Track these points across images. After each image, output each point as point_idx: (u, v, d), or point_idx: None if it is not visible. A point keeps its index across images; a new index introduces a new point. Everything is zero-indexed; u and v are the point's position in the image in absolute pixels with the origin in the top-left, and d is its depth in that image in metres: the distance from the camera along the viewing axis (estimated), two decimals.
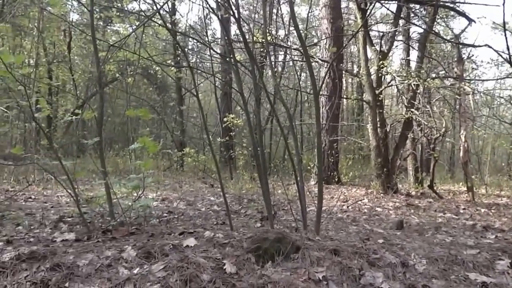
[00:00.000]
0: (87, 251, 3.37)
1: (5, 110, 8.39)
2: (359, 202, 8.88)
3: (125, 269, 3.17)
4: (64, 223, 4.97)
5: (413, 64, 11.94)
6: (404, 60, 12.01)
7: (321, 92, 12.68)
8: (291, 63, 19.14)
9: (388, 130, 10.79)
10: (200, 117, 20.13)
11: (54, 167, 5.05)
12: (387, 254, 3.66)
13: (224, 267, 3.22)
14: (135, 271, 3.13)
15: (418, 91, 10.92)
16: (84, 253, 3.32)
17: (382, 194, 10.11)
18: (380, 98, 10.53)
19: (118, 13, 18.07)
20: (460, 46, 10.98)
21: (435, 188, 10.77)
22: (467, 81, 11.24)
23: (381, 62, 10.35)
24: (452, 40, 11.84)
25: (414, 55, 12.50)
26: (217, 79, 16.53)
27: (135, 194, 4.98)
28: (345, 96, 15.84)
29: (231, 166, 13.90)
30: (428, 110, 10.59)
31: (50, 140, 4.06)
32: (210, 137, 16.71)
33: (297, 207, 7.13)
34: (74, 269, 3.12)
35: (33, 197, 7.81)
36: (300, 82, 14.31)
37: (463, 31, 13.90)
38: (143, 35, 9.00)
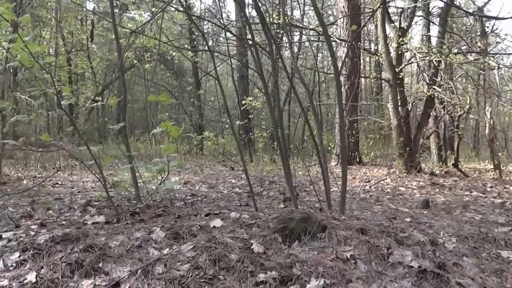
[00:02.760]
0: (117, 233, 3.44)
1: (29, 98, 8.53)
2: (382, 182, 8.83)
3: (155, 249, 3.24)
4: (92, 207, 5.07)
5: (434, 40, 11.71)
6: (424, 36, 11.77)
7: (341, 71, 12.59)
8: (306, 44, 18.97)
9: (409, 108, 10.64)
10: (217, 100, 20.18)
11: (78, 153, 5.13)
12: (415, 232, 3.65)
13: (252, 247, 3.26)
14: (165, 252, 3.19)
15: (440, 68, 10.72)
16: (115, 235, 3.40)
17: (405, 174, 10.02)
18: (400, 76, 10.37)
19: (134, 0, 18.09)
20: (484, 19, 10.70)
21: (460, 166, 10.63)
22: (491, 55, 10.97)
23: (400, 39, 10.17)
24: (475, 13, 11.56)
25: (434, 30, 12.25)
26: (234, 62, 16.49)
27: (159, 178, 5.04)
28: (364, 75, 15.66)
29: (250, 149, 13.94)
30: (451, 87, 10.39)
31: (75, 126, 4.12)
32: (229, 120, 16.76)
33: (318, 188, 7.15)
34: (106, 250, 3.19)
35: (60, 183, 7.98)
36: (317, 63, 14.15)
37: (486, 3, 13.54)
38: (161, 21, 8.99)
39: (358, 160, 12.16)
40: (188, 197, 6.10)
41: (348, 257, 3.22)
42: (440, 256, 3.30)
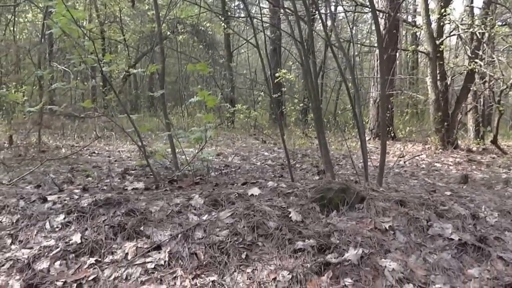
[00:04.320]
0: (157, 199, 3.51)
1: (66, 69, 8.68)
2: (417, 158, 8.69)
3: (194, 215, 3.29)
4: (129, 175, 5.17)
5: (477, 12, 11.25)
6: (467, 7, 11.32)
7: (376, 44, 12.29)
8: (339, 17, 18.55)
9: (448, 83, 10.34)
10: (249, 73, 20.08)
11: (117, 121, 5.21)
12: (455, 206, 3.59)
13: (290, 215, 3.28)
14: (204, 218, 3.24)
15: (483, 40, 10.32)
16: (155, 201, 3.46)
17: (441, 150, 9.81)
18: (440, 49, 10.06)
19: None
20: None
21: (498, 143, 10.33)
22: None
23: (443, 10, 9.80)
24: None
25: (478, 1, 11.70)
26: (266, 34, 16.28)
27: (196, 148, 5.08)
28: (401, 48, 15.25)
29: (281, 122, 13.87)
30: (494, 61, 10.01)
31: (116, 93, 4.18)
32: (262, 93, 16.65)
33: (351, 162, 7.09)
34: (147, 214, 3.27)
35: (96, 152, 8.17)
36: (352, 36, 13.82)
37: None
38: None
39: (392, 135, 11.97)
40: (222, 168, 6.15)
41: (387, 228, 3.20)
42: (481, 230, 3.24)
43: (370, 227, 3.20)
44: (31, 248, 3.06)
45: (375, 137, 11.96)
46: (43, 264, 2.91)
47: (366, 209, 3.41)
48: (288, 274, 2.78)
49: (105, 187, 4.18)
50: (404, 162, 8.11)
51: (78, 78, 15.19)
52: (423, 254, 3.03)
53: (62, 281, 2.77)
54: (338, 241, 3.03)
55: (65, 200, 3.54)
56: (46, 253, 2.98)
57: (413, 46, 12.61)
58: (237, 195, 3.55)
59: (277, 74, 12.79)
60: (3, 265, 2.94)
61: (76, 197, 3.57)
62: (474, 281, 2.86)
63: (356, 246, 2.98)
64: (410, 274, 2.85)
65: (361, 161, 6.02)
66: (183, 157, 5.22)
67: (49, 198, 3.56)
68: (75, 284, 2.75)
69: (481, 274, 2.93)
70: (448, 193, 4.19)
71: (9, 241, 3.18)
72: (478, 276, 2.90)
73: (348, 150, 6.18)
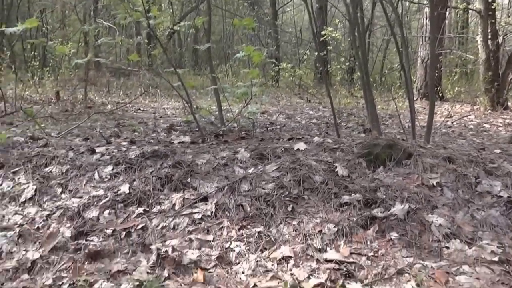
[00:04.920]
0: (203, 152, 3.56)
1: (111, 25, 8.77)
2: (465, 118, 8.40)
3: (241, 168, 3.32)
4: (175, 131, 5.26)
5: None
6: None
7: (425, 1, 11.76)
8: None
9: (499, 42, 9.82)
10: (295, 31, 19.72)
11: (163, 77, 5.27)
12: (505, 163, 3.47)
13: (336, 170, 3.26)
14: (250, 171, 3.27)
15: None
16: (201, 154, 3.51)
17: (490, 111, 9.45)
18: (492, 7, 9.52)
19: None
20: None
21: None
22: None
23: None
24: None
25: None
26: None
27: (241, 104, 5.09)
28: (452, 6, 14.50)
29: (327, 82, 13.64)
30: None
31: (164, 48, 4.20)
32: (307, 51, 16.34)
33: (398, 121, 6.93)
34: (194, 167, 3.33)
35: (142, 108, 8.34)
36: None
37: None
38: None
39: (440, 95, 11.58)
40: (267, 126, 6.15)
41: (435, 184, 3.14)
42: None
43: (417, 183, 3.15)
44: (81, 197, 3.18)
45: (422, 97, 11.62)
46: (92, 213, 3.03)
47: (413, 165, 3.35)
48: (334, 227, 2.80)
49: (151, 141, 4.27)
50: (452, 122, 7.86)
51: (123, 35, 15.35)
52: (471, 210, 2.97)
53: (111, 229, 2.88)
54: (384, 196, 3.01)
55: (113, 152, 3.64)
56: (95, 202, 3.10)
57: (464, 4, 11.95)
58: (283, 149, 3.55)
59: (323, 32, 12.48)
60: (54, 213, 3.08)
61: (124, 149, 3.66)
62: None
63: (403, 201, 2.95)
64: (457, 229, 2.82)
65: (408, 120, 5.89)
66: (229, 114, 5.25)
67: (97, 150, 3.66)
68: (124, 233, 2.85)
69: None
70: (498, 151, 4.04)
71: (59, 190, 3.31)
72: None
73: (396, 108, 6.02)
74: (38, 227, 2.96)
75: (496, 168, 3.39)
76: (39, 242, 2.79)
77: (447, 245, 2.73)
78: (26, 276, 2.54)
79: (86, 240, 2.78)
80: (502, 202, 3.02)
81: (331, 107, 4.60)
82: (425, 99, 11.29)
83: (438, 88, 11.53)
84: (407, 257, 2.63)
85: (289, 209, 2.93)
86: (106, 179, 3.33)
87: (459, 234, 2.79)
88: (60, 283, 2.40)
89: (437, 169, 3.32)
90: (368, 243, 2.73)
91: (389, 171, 3.31)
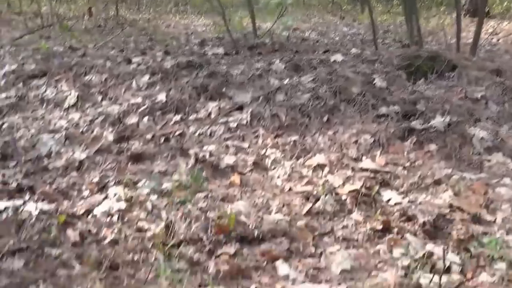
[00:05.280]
0: (238, 63, 3.52)
1: None
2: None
3: (275, 79, 3.28)
4: (207, 45, 5.16)
5: None
6: None
7: None
8: None
9: None
10: None
11: None
12: None
13: (374, 82, 3.17)
14: (285, 82, 3.22)
15: None
16: (236, 65, 3.48)
17: None
18: None
19: None
20: None
21: None
22: None
23: None
24: None
25: None
26: None
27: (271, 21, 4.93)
28: None
29: None
30: None
31: None
32: None
33: (438, 39, 6.64)
34: (228, 77, 3.31)
35: (172, 25, 8.20)
36: None
37: None
38: None
39: (486, 12, 10.90)
40: (300, 42, 5.96)
41: (479, 97, 3.03)
42: None
43: (460, 96, 3.05)
44: (120, 104, 3.26)
45: (466, 14, 10.98)
46: (132, 119, 3.12)
47: (457, 78, 3.23)
48: (370, 137, 2.76)
49: (185, 52, 4.23)
50: (498, 40, 7.45)
51: None
52: None
53: (151, 135, 2.97)
54: (424, 108, 2.93)
55: (148, 62, 3.66)
56: (134, 109, 3.18)
57: None
58: (319, 61, 3.47)
59: None
60: (96, 119, 3.19)
61: (159, 59, 3.67)
62: None
63: (444, 113, 2.86)
64: (500, 143, 2.74)
65: (450, 37, 5.61)
66: (262, 29, 5.10)
67: (134, 60, 3.70)
68: (163, 138, 2.93)
69: None
70: None
71: (99, 97, 3.41)
72: None
73: (439, 23, 5.71)
74: (82, 131, 3.10)
75: None
76: (85, 144, 2.93)
77: (489, 158, 2.67)
78: (74, 173, 2.69)
79: (128, 144, 2.90)
80: None
81: (370, 18, 4.39)
82: (468, 16, 10.69)
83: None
84: (445, 168, 2.59)
85: (325, 119, 2.91)
86: (143, 88, 3.39)
87: (502, 148, 2.72)
88: (106, 180, 2.52)
89: (482, 82, 3.19)
90: (405, 154, 2.70)
91: (430, 83, 3.20)
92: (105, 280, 1.60)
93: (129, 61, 3.68)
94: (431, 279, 1.64)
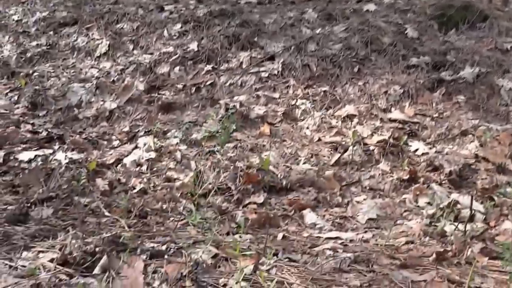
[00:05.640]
0: (270, 12, 3.53)
1: None
2: None
3: (308, 29, 3.31)
4: None
5: None
6: None
7: None
8: None
9: None
10: None
11: None
12: None
13: (406, 32, 3.18)
14: (317, 31, 3.25)
15: None
16: (268, 13, 3.49)
17: None
18: None
19: None
20: None
21: None
22: None
23: None
24: None
25: None
26: None
27: None
28: None
29: None
30: None
31: None
32: None
33: None
34: (261, 26, 3.34)
35: None
36: None
37: None
38: None
39: None
40: None
41: (509, 48, 3.05)
42: None
43: (490, 47, 3.06)
44: (152, 53, 3.32)
45: None
46: (163, 69, 3.19)
47: (488, 28, 3.21)
48: (400, 88, 2.82)
49: (218, 1, 4.23)
50: None
51: None
52: None
53: (182, 85, 3.05)
54: (454, 59, 2.95)
55: (181, 10, 3.67)
56: (166, 59, 3.23)
57: None
58: (352, 10, 3.46)
59: None
60: (127, 68, 3.27)
61: (192, 7, 3.68)
62: None
63: (473, 64, 2.89)
64: None
65: None
66: None
67: (166, 8, 3.70)
68: (194, 88, 3.01)
69: None
70: None
71: (131, 46, 3.46)
72: None
73: None
74: (113, 80, 3.18)
75: None
76: (115, 94, 3.03)
77: None
78: (105, 123, 2.82)
79: (159, 94, 2.98)
80: None
81: None
82: None
83: None
84: (472, 119, 2.66)
85: (355, 70, 2.96)
86: (175, 37, 3.42)
87: None
88: (136, 130, 2.63)
89: None
90: (434, 105, 2.76)
91: (461, 34, 3.20)
92: (133, 227, 1.67)
93: (161, 9, 3.70)
94: (456, 227, 1.75)
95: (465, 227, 1.71)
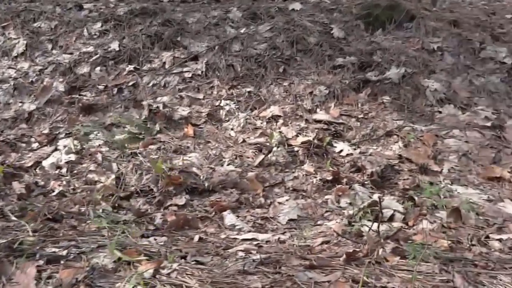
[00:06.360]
0: (194, 11, 3.42)
1: None
2: None
3: (232, 28, 3.21)
4: None
5: None
6: None
7: None
8: None
9: None
10: None
11: None
12: None
13: (332, 32, 3.13)
14: (241, 31, 3.16)
15: None
16: (192, 12, 3.38)
17: None
18: None
19: None
20: None
21: None
22: None
23: None
24: None
25: None
26: None
27: None
28: None
29: None
30: None
31: None
32: None
33: None
34: (184, 25, 3.22)
35: None
36: None
37: None
38: None
39: None
40: None
41: (435, 48, 3.04)
42: None
43: (417, 47, 3.05)
44: (71, 53, 3.16)
45: None
46: (84, 69, 3.04)
47: (415, 28, 3.21)
48: (325, 89, 2.76)
49: None
50: None
51: None
52: (470, 76, 2.90)
53: (103, 85, 2.91)
54: (380, 60, 2.92)
55: (101, 8, 3.51)
56: (86, 59, 3.09)
57: None
58: (277, 9, 3.38)
59: None
60: (46, 68, 3.09)
61: (112, 5, 3.53)
62: None
63: (399, 65, 2.87)
64: (452, 95, 2.78)
65: None
66: None
67: (85, 6, 3.54)
68: (116, 89, 2.89)
69: None
70: (509, 16, 3.81)
71: (50, 46, 3.27)
72: None
73: None
74: (32, 81, 3.02)
75: (504, 34, 3.26)
76: (34, 95, 2.90)
77: (440, 109, 2.71)
78: (24, 125, 2.69)
79: (80, 95, 2.86)
80: (504, 69, 2.95)
81: None
82: None
83: None
84: (397, 120, 2.63)
85: (281, 70, 2.89)
86: (95, 36, 3.28)
87: (454, 100, 2.76)
88: (57, 132, 2.52)
89: (440, 33, 3.18)
90: (359, 105, 2.72)
91: (388, 34, 3.19)
92: (40, 231, 1.58)
93: (80, 7, 3.53)
94: (370, 227, 1.68)
95: (378, 227, 1.64)
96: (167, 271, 1.33)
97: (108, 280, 1.27)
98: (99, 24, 3.32)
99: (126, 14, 3.33)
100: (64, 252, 1.40)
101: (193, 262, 1.44)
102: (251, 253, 1.53)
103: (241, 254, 1.52)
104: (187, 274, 1.33)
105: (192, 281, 1.29)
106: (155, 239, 1.61)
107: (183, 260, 1.44)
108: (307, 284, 1.30)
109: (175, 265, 1.36)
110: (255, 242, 1.67)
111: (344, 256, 1.48)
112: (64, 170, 2.18)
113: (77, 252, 1.41)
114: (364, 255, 1.51)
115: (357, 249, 1.55)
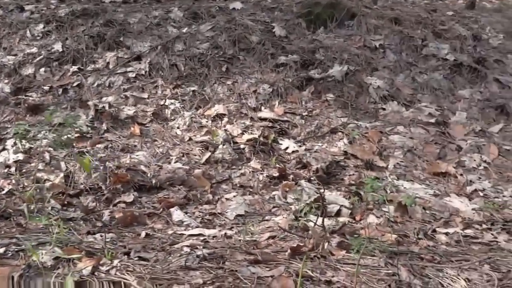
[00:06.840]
0: (135, 11, 3.41)
1: None
2: None
3: (174, 28, 3.21)
4: None
5: None
6: None
7: None
8: None
9: None
10: None
11: None
12: (456, 26, 3.43)
13: (273, 30, 3.16)
14: (183, 30, 3.16)
15: None
16: (133, 13, 3.37)
17: None
18: None
19: None
20: None
21: None
22: None
23: None
24: None
25: None
26: None
27: None
28: None
29: None
30: None
31: None
32: None
33: None
34: (126, 26, 3.19)
35: None
36: None
37: None
38: None
39: None
40: None
41: (377, 46, 3.12)
42: (481, 51, 3.15)
43: (359, 45, 3.12)
44: (15, 55, 3.11)
45: None
46: (28, 70, 3.00)
47: (357, 26, 3.27)
48: (269, 87, 2.79)
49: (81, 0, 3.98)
50: None
51: None
52: (413, 73, 3.00)
53: (48, 86, 2.89)
54: (323, 58, 2.97)
55: (42, 10, 3.45)
56: (30, 60, 3.05)
57: None
58: (218, 8, 3.39)
59: None
60: None
61: (53, 7, 3.47)
62: (463, 102, 2.87)
63: (342, 63, 2.92)
64: (395, 92, 2.86)
65: None
66: None
67: (26, 7, 3.49)
68: (61, 89, 2.87)
69: (472, 95, 2.92)
70: (450, 13, 3.92)
71: None
72: (469, 97, 2.91)
73: None
74: None
75: (446, 31, 3.36)
76: None
77: (384, 106, 2.80)
78: None
79: (26, 96, 2.84)
80: (447, 66, 3.03)
81: None
82: None
83: None
84: (341, 117, 2.69)
85: (224, 69, 2.89)
86: (38, 37, 3.23)
87: (398, 97, 2.84)
88: (4, 133, 2.50)
89: (381, 30, 3.27)
90: (303, 103, 2.76)
91: (330, 32, 3.24)
92: None
93: (22, 9, 3.48)
94: (315, 222, 1.70)
95: (323, 221, 1.66)
96: (106, 268, 1.33)
97: (45, 278, 1.26)
98: (41, 26, 3.27)
99: (67, 15, 3.29)
100: (2, 250, 1.40)
101: (136, 258, 1.44)
102: (196, 248, 1.53)
103: (186, 249, 1.53)
104: (128, 271, 1.33)
105: (132, 278, 1.28)
106: (101, 236, 1.59)
107: (125, 256, 1.44)
108: (249, 279, 1.31)
109: (115, 262, 1.36)
110: (201, 238, 1.69)
111: (289, 250, 1.50)
112: (13, 169, 2.18)
113: (16, 249, 1.42)
114: (309, 250, 1.53)
115: (302, 244, 1.56)
